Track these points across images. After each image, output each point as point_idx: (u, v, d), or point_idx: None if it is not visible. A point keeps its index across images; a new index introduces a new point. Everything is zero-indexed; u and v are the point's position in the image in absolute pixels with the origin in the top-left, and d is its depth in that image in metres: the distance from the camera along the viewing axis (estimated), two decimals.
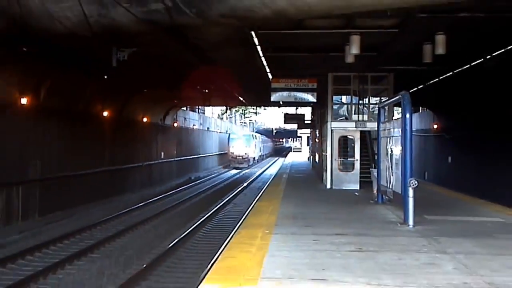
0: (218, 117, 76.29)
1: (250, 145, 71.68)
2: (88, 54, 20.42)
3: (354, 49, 17.93)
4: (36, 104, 21.16)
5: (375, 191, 18.42)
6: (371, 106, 24.96)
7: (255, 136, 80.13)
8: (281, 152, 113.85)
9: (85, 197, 25.98)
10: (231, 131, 79.78)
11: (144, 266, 14.61)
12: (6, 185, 19.32)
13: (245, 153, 70.27)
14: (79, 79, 24.33)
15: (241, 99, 40.31)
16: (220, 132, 70.25)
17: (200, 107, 58.26)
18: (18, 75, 19.54)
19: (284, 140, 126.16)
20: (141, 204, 27.37)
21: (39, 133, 21.68)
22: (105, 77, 25.14)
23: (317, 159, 35.99)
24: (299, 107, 53.54)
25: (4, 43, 16.45)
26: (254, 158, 75.80)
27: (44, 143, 22.12)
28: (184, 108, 50.10)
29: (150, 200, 29.25)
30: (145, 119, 36.87)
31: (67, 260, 15.36)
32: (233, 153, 69.93)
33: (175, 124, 45.75)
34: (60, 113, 23.59)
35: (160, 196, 31.54)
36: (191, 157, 51.82)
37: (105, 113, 29.00)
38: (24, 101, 20.14)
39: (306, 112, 51.46)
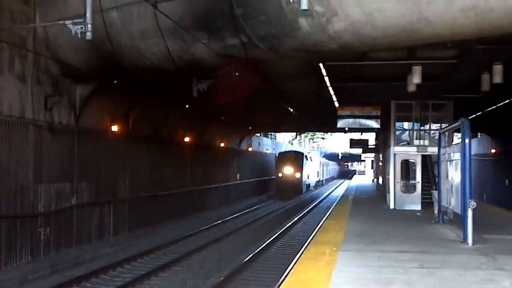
0: (288, 142, 76.27)
1: (302, 166, 50.16)
2: (171, 86, 20.89)
3: (416, 78, 17.67)
4: (126, 131, 21.74)
5: (436, 212, 17.99)
6: (432, 132, 24.47)
7: (309, 157, 57.35)
8: (347, 174, 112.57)
9: (170, 215, 26.38)
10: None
11: (222, 278, 14.64)
12: (100, 204, 19.84)
13: (296, 177, 49.14)
14: (163, 108, 24.90)
15: (310, 125, 40.20)
16: None
17: (272, 133, 58.47)
18: (110, 105, 20.14)
19: (349, 163, 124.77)
20: (219, 221, 27.54)
21: (128, 157, 22.21)
22: (186, 106, 25.65)
23: (380, 181, 35.39)
24: (363, 133, 52.98)
25: (98, 77, 17.03)
26: (308, 184, 56.36)
27: (133, 166, 22.64)
28: (258, 134, 50.41)
29: (228, 218, 29.39)
30: (222, 144, 37.27)
31: (153, 272, 15.57)
32: (281, 176, 48.79)
33: (250, 149, 46.04)
34: (147, 139, 24.14)
35: (237, 214, 31.64)
36: (264, 178, 51.94)
37: (187, 139, 29.49)
38: (114, 128, 20.72)
39: (370, 137, 50.90)
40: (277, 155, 52.34)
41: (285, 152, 54.17)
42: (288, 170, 48.63)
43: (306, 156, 54.09)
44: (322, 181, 73.97)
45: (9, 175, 14.73)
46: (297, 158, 49.98)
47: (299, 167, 49.37)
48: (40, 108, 16.03)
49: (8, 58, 14.52)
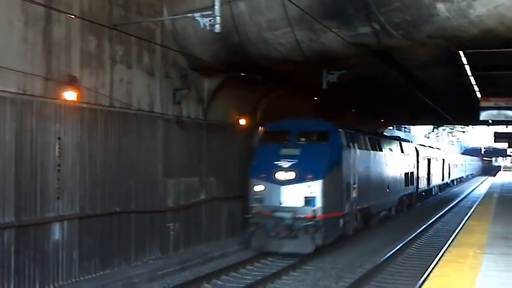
0: (424, 136, 73.97)
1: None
2: (299, 77, 20.91)
3: None
4: (253, 124, 22.04)
5: None
6: None
7: (422, 152, 37.50)
8: (490, 171, 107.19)
9: None
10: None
11: (356, 279, 14.47)
12: (229, 199, 20.28)
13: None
14: (292, 101, 25.00)
15: (448, 118, 38.66)
16: None
17: (406, 126, 56.98)
18: (238, 99, 20.53)
19: (493, 158, 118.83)
20: None
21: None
22: (316, 98, 25.59)
23: None
24: (509, 125, 50.05)
25: (226, 70, 17.41)
26: (416, 191, 34.54)
27: None
28: (391, 127, 49.31)
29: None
30: None
31: (284, 271, 15.63)
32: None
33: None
34: None
35: None
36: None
37: None
38: (242, 121, 21.11)
39: None
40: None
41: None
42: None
43: (417, 150, 35.35)
44: (450, 182, 57.17)
45: (139, 170, 15.43)
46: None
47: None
48: (168, 102, 16.68)
49: (136, 52, 15.21)
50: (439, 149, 55.02)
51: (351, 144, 19.98)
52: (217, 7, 11.85)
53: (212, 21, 11.98)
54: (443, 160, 50.53)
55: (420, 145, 41.96)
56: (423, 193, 38.38)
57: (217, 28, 11.92)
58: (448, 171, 54.61)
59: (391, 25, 13.30)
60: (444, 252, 13.03)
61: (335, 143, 18.59)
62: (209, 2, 12.29)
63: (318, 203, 17.16)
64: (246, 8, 14.67)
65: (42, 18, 12.00)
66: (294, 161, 17.60)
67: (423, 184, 37.53)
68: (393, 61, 18.96)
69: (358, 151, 20.73)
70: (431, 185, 41.80)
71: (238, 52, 15.98)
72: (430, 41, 14.19)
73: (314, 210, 16.99)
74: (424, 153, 38.99)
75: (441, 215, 30.76)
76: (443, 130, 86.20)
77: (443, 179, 50.50)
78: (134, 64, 15.10)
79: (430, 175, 40.90)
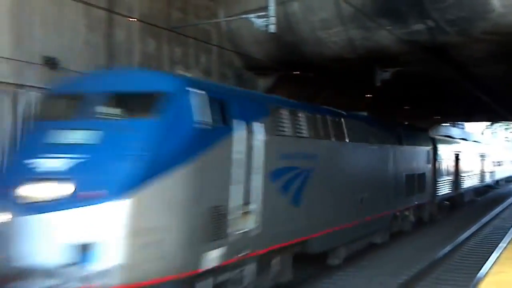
0: (481, 133, 72.47)
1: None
2: (352, 75, 20.96)
3: None
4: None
5: None
6: None
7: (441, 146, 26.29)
8: None
9: None
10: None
11: (413, 274, 14.49)
12: None
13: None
14: (345, 99, 25.02)
15: (506, 114, 37.88)
16: None
17: (461, 122, 56.03)
18: (292, 97, 20.70)
19: None
20: None
21: None
22: (368, 96, 25.56)
23: None
24: None
25: (279, 68, 17.67)
26: (433, 199, 24.37)
27: None
28: (445, 124, 48.60)
29: None
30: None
31: (339, 267, 15.66)
32: None
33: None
34: None
35: None
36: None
37: None
38: None
39: None
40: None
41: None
42: None
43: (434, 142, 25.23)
44: (493, 183, 46.81)
45: None
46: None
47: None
48: None
49: (194, 53, 15.63)
50: (477, 142, 43.56)
51: (241, 123, 9.49)
52: (271, 7, 12.11)
53: (267, 21, 12.24)
54: (483, 155, 39.73)
55: (443, 136, 31.62)
56: (446, 202, 27.46)
57: (272, 28, 12.18)
58: (491, 170, 43.69)
59: (445, 21, 13.30)
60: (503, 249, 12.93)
61: (179, 119, 8.38)
62: (264, 3, 12.54)
63: (114, 257, 7.23)
64: (299, 8, 14.92)
65: (104, 21, 12.50)
66: (77, 160, 7.89)
67: (445, 189, 26.75)
68: (448, 57, 18.81)
69: (263, 137, 10.06)
70: (460, 189, 30.63)
71: (291, 51, 16.24)
72: (485, 37, 14.11)
73: (98, 274, 7.15)
74: (447, 147, 28.35)
75: (501, 211, 30.01)
76: (500, 126, 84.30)
77: (482, 180, 39.05)
78: (191, 65, 15.52)
79: (460, 176, 30.12)
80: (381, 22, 13.96)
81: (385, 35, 14.49)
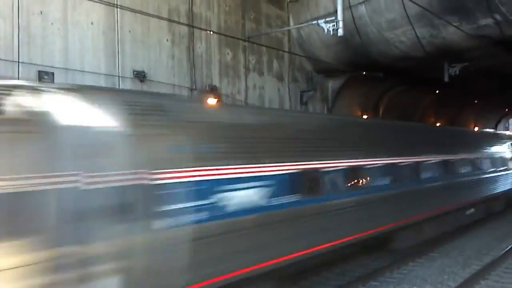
0: None
1: None
2: (419, 73, 21.04)
3: None
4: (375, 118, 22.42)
5: None
6: None
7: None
8: None
9: None
10: None
11: (483, 266, 14.46)
12: None
13: None
14: (412, 96, 25.08)
15: None
16: None
17: None
18: (360, 96, 21.06)
19: None
20: None
21: None
22: (437, 91, 25.47)
23: None
24: None
25: (348, 70, 18.03)
26: None
27: None
28: None
29: None
30: (476, 128, 36.01)
31: (410, 257, 15.84)
32: None
33: (507, 132, 43.58)
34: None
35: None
36: None
37: (438, 124, 29.22)
38: (364, 117, 21.56)
39: None
40: None
41: None
42: None
43: None
44: None
45: None
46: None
47: None
48: (296, 103, 17.60)
49: (267, 60, 16.29)
50: None
51: None
52: (339, 12, 12.55)
53: (335, 25, 12.69)
54: None
55: None
56: None
57: (340, 32, 12.62)
58: None
59: None
60: None
61: None
62: (332, 8, 13.03)
63: None
64: (366, 10, 15.24)
65: (186, 36, 13.30)
66: None
67: None
68: None
69: None
70: None
71: (359, 53, 16.56)
72: None
73: None
74: None
75: None
76: None
77: None
78: (265, 71, 16.18)
79: None
80: (449, 19, 14.11)
81: (453, 32, 14.62)
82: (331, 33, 12.84)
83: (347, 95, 20.03)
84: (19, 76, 9.87)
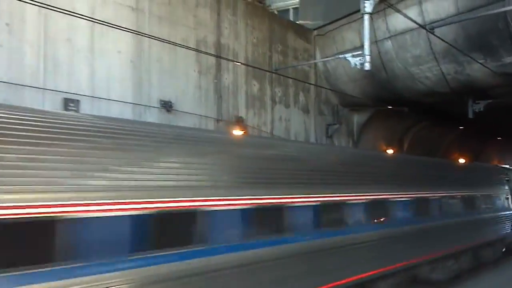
0: None
1: None
2: (444, 108, 20.32)
3: None
4: (399, 153, 21.66)
5: None
6: None
7: None
8: None
9: None
10: None
11: None
12: None
13: None
14: (437, 131, 24.31)
15: None
16: None
17: None
18: (385, 130, 20.37)
19: None
20: None
21: None
22: (461, 127, 24.65)
23: None
24: None
25: (373, 104, 17.40)
26: None
27: None
28: None
29: None
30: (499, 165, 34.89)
31: None
32: None
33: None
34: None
35: None
36: None
37: (461, 160, 28.21)
38: (389, 151, 20.81)
39: None
40: None
41: None
42: None
43: None
44: None
45: None
46: None
47: None
48: (322, 136, 16.97)
49: (293, 92, 15.72)
50: None
51: None
52: (366, 46, 11.95)
53: (362, 60, 12.09)
54: None
55: None
56: None
57: (367, 66, 11.99)
58: None
59: None
60: None
61: None
62: (358, 42, 12.46)
63: None
64: (392, 45, 14.70)
65: (213, 66, 12.83)
66: None
67: None
68: None
69: None
70: None
71: (385, 87, 15.97)
72: None
73: None
74: None
75: None
76: None
77: None
78: (291, 103, 15.62)
79: None
80: (474, 56, 13.46)
81: (478, 68, 13.96)
82: (358, 67, 12.26)
83: (373, 128, 19.36)
84: (45, 103, 9.48)
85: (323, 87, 16.35)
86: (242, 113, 13.66)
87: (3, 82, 8.91)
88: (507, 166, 17.21)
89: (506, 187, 18.72)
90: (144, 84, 11.23)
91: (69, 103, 10.14)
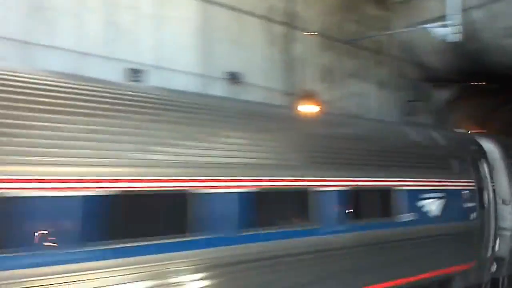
0: None
1: None
2: None
3: None
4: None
5: None
6: None
7: None
8: None
9: None
10: None
11: None
12: None
13: None
14: None
15: None
16: None
17: None
18: (470, 110, 19.05)
19: None
20: None
21: None
22: None
23: None
24: None
25: (458, 79, 16.18)
26: None
27: None
28: None
29: None
30: None
31: None
32: None
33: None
34: None
35: None
36: None
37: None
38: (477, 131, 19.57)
39: None
40: None
41: None
42: None
43: None
44: None
45: None
46: None
47: None
48: (399, 113, 15.95)
49: (367, 64, 14.76)
50: None
51: None
52: (457, 15, 10.91)
53: (450, 30, 11.06)
54: None
55: None
56: None
57: (457, 37, 10.95)
58: None
59: None
60: None
61: None
62: (442, 11, 11.37)
63: None
64: (483, 14, 13.50)
65: (283, 36, 12.11)
66: None
67: None
68: None
69: None
70: None
71: (473, 61, 14.79)
72: None
73: None
74: None
75: None
76: None
77: None
78: (365, 77, 14.66)
79: None
80: None
81: None
82: (444, 38, 11.24)
83: (456, 106, 18.08)
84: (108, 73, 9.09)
85: (402, 60, 15.22)
86: (314, 86, 12.89)
87: (67, 50, 8.51)
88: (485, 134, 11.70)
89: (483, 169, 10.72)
90: (210, 55, 10.70)
91: (133, 73, 9.77)
